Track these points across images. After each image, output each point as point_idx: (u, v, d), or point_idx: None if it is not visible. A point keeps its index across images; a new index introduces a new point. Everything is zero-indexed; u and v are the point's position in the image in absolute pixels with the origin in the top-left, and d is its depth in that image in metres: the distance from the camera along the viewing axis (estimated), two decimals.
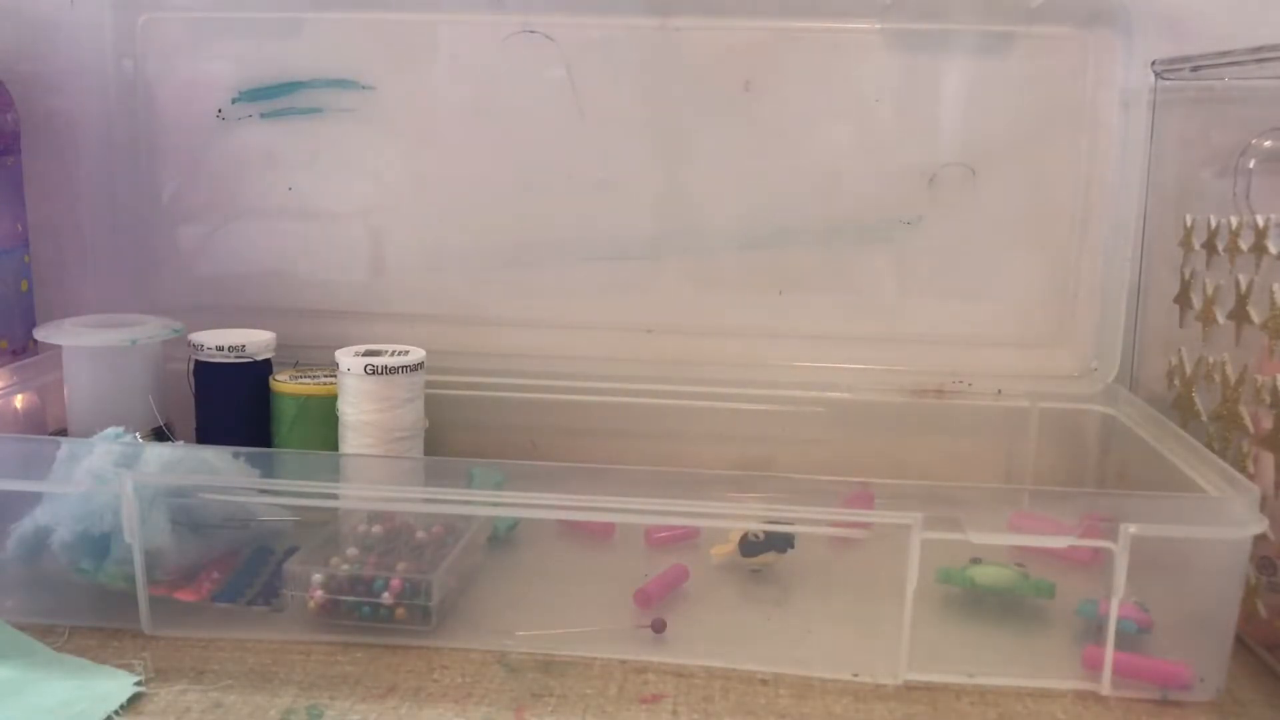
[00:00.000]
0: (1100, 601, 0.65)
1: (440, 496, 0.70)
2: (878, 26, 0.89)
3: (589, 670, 0.66)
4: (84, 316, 0.89)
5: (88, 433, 0.74)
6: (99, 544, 0.68)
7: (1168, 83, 0.85)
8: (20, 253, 0.95)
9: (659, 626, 0.69)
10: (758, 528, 0.75)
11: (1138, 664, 0.65)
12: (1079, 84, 0.88)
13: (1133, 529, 0.62)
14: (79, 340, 0.84)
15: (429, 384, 0.83)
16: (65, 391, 0.85)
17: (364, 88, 0.93)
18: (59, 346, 0.85)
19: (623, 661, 0.66)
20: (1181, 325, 0.82)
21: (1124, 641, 0.64)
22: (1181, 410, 0.80)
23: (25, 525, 0.69)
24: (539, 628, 0.69)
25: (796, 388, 0.92)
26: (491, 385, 0.94)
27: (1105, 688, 0.64)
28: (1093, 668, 0.65)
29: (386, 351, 0.81)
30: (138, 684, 0.62)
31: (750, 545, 0.76)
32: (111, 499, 0.67)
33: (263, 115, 0.94)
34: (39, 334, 0.86)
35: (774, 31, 0.90)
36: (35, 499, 0.69)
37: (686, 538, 0.80)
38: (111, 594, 0.69)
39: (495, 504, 0.68)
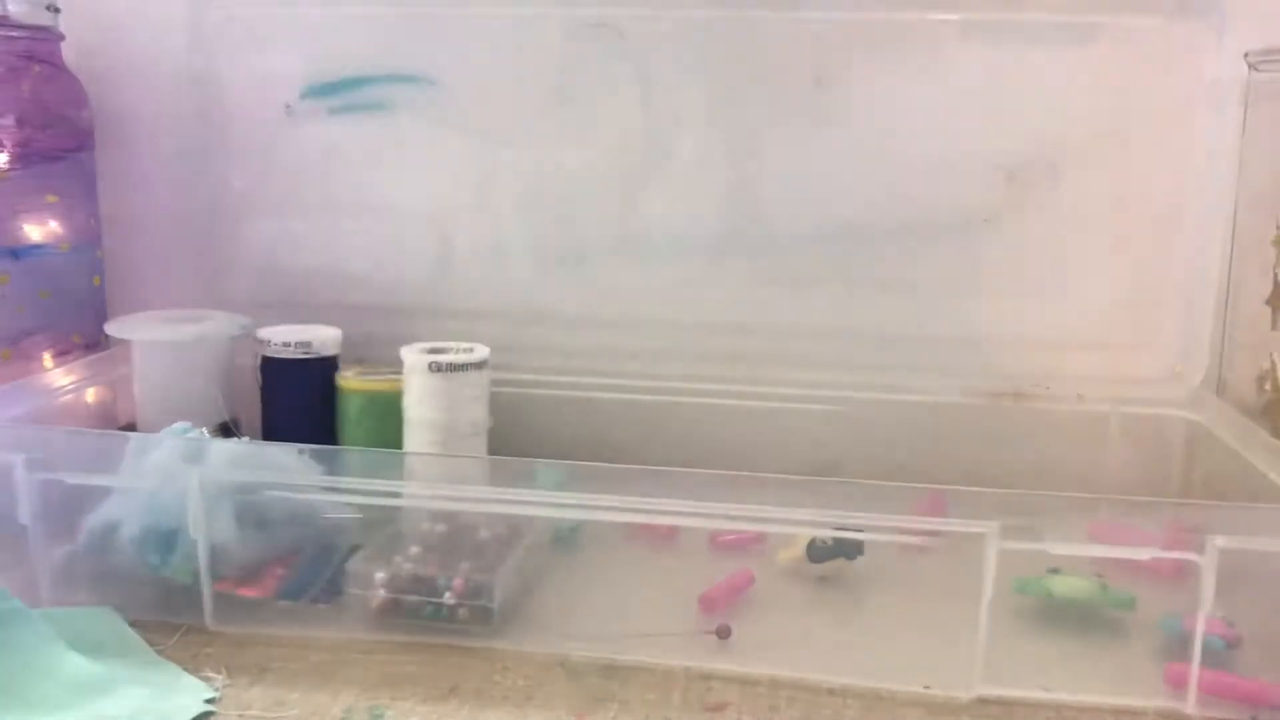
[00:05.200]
0: (1184, 616, 0.63)
1: (503, 496, 0.70)
2: (955, 17, 0.87)
3: (651, 676, 0.65)
4: (154, 311, 0.90)
5: (156, 427, 0.74)
6: (166, 539, 0.69)
7: (1262, 75, 0.82)
8: (93, 248, 0.96)
9: (724, 632, 0.67)
10: (826, 533, 0.73)
11: (1225, 682, 0.62)
12: (1168, 76, 0.85)
13: (1220, 541, 0.59)
14: (149, 335, 0.85)
15: (494, 381, 0.83)
16: (135, 386, 0.86)
17: (430, 83, 0.93)
18: (129, 341, 0.86)
19: (686, 668, 0.65)
20: (1274, 328, 0.79)
21: (1210, 659, 0.62)
22: (1272, 417, 0.78)
23: (96, 519, 0.69)
24: (602, 631, 0.68)
25: (867, 389, 0.90)
26: (556, 383, 0.93)
27: (1190, 706, 0.62)
28: (1177, 685, 0.62)
29: (452, 349, 0.81)
30: (209, 701, 0.61)
31: (818, 550, 0.74)
32: (178, 494, 0.67)
33: (330, 111, 0.95)
34: (110, 329, 0.87)
35: (847, 23, 0.88)
36: (106, 493, 0.69)
37: (752, 542, 0.79)
38: (177, 589, 0.69)
39: (559, 505, 0.67)
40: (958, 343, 0.91)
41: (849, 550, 0.74)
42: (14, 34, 0.88)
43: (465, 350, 0.81)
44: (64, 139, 0.92)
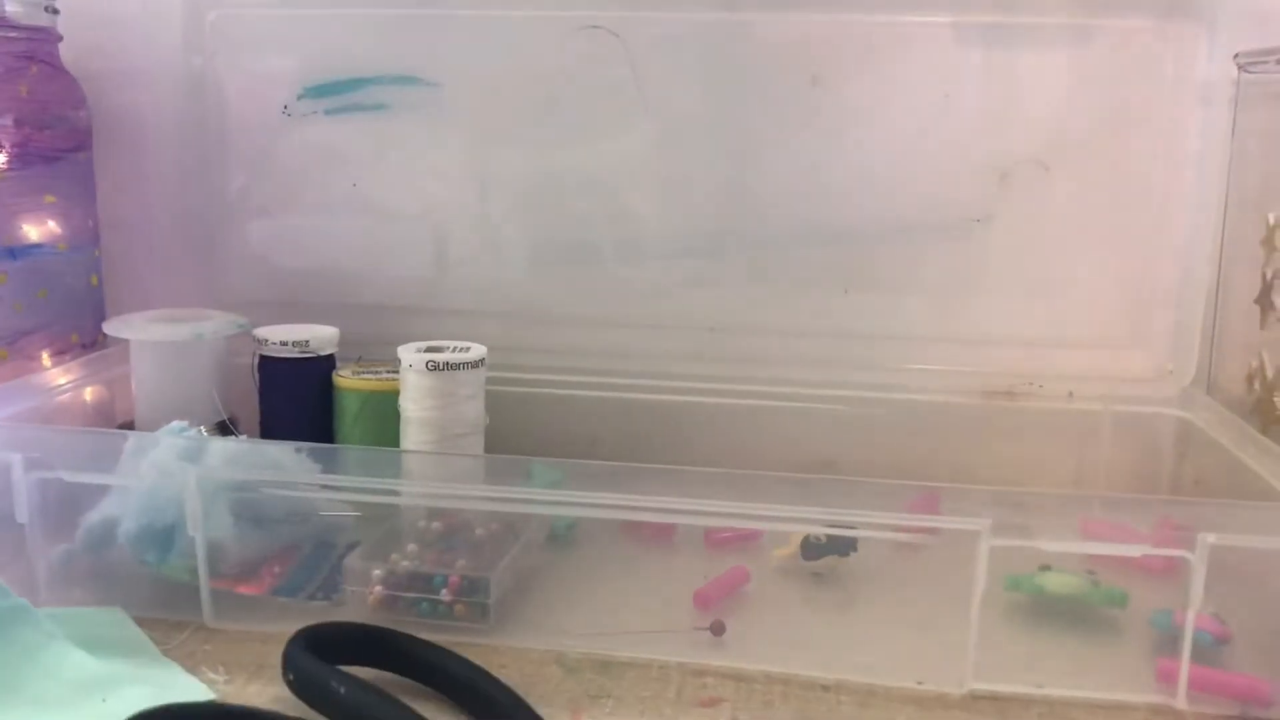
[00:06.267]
0: (1175, 612, 0.63)
1: (500, 494, 0.70)
2: (950, 20, 0.87)
3: (647, 672, 0.65)
4: (152, 311, 0.91)
5: (154, 426, 0.74)
6: (163, 536, 0.69)
7: (1252, 76, 0.82)
8: (91, 248, 0.96)
9: (718, 629, 0.68)
10: (820, 530, 0.73)
11: (1215, 678, 0.62)
12: (1158, 78, 0.85)
13: (1211, 538, 0.60)
14: (146, 334, 0.85)
15: (490, 380, 0.83)
16: (133, 385, 0.87)
17: (428, 84, 0.93)
18: (127, 340, 0.86)
19: (681, 664, 0.66)
20: (1263, 327, 0.79)
21: (1200, 654, 0.62)
22: (1262, 415, 0.78)
23: (94, 516, 0.70)
24: (597, 627, 0.68)
25: (862, 388, 0.90)
26: (553, 382, 0.94)
27: (1181, 702, 0.62)
28: (1168, 681, 0.63)
29: (448, 348, 0.81)
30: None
31: (812, 548, 0.74)
32: (175, 492, 0.67)
33: (327, 112, 0.95)
34: (108, 328, 0.87)
35: (843, 25, 0.88)
36: (104, 491, 0.70)
37: (747, 539, 0.79)
38: (175, 586, 0.69)
39: (555, 503, 0.67)
40: (950, 342, 0.91)
41: (842, 547, 0.74)
42: (12, 34, 0.88)
43: (462, 349, 0.81)
44: (62, 139, 0.93)
